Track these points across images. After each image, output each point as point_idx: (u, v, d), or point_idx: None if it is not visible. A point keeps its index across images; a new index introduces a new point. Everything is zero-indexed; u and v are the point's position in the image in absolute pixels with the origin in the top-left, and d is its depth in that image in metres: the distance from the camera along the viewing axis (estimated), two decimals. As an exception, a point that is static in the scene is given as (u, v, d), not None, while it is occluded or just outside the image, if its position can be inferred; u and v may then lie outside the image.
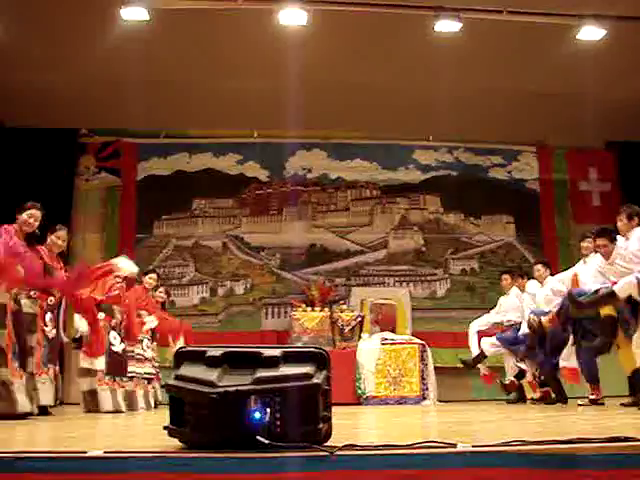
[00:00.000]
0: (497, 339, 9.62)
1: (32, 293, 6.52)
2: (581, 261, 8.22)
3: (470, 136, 12.25)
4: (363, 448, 2.46)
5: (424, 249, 12.11)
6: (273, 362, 2.60)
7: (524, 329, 8.74)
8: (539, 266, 9.24)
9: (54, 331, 6.83)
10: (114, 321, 7.77)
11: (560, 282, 8.28)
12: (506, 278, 10.13)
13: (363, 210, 12.18)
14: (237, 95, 10.75)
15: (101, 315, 7.59)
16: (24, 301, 6.36)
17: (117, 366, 7.74)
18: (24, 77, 10.30)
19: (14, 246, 5.97)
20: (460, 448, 2.37)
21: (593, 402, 7.40)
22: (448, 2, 9.30)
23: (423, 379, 10.18)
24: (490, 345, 9.67)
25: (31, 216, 6.15)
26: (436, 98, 10.75)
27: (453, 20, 9.40)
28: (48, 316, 6.73)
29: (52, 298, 6.79)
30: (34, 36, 9.64)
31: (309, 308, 10.90)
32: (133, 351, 8.30)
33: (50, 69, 10.19)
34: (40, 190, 10.80)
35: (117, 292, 7.76)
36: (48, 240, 7.01)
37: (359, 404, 9.78)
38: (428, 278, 11.97)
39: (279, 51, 9.78)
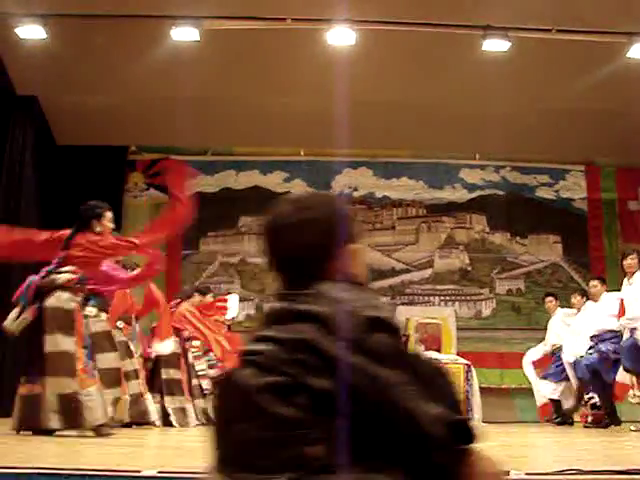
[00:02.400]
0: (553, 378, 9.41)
1: (118, 324, 7.05)
2: (625, 281, 8.05)
3: (517, 155, 12.17)
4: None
5: (470, 268, 12.02)
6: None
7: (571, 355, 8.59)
8: (595, 282, 9.03)
9: None
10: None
11: (614, 305, 8.09)
12: (550, 300, 10.01)
13: (409, 229, 12.14)
14: (284, 113, 10.82)
15: (177, 339, 8.26)
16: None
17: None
18: (76, 97, 10.50)
19: None
20: (513, 476, 2.35)
21: None
22: (496, 21, 9.28)
23: (468, 399, 10.07)
24: (552, 391, 9.53)
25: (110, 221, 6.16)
26: (483, 117, 10.71)
27: (501, 39, 9.37)
28: None
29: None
30: (85, 57, 9.82)
31: (354, 327, 10.86)
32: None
33: (101, 88, 10.38)
34: (90, 206, 11.00)
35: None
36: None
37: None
38: (474, 298, 11.87)
39: (327, 70, 9.81)
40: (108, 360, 6.39)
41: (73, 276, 5.38)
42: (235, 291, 11.81)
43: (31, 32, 9.10)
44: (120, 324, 7.22)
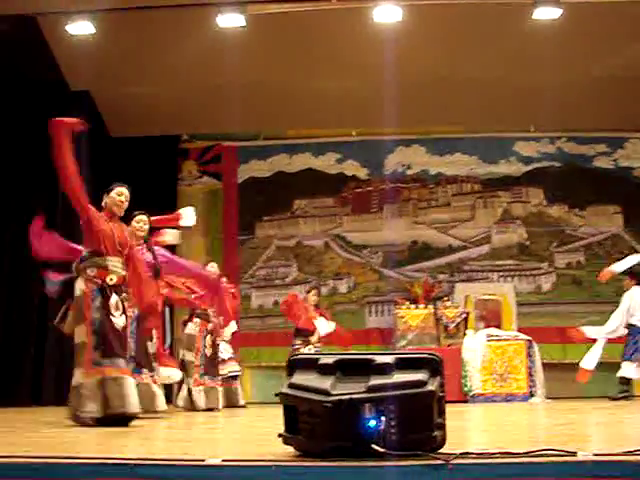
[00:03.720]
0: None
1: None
2: None
3: (573, 125, 11.90)
4: (479, 456, 2.43)
5: (528, 243, 11.84)
6: (386, 369, 2.59)
7: None
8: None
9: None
10: (210, 325, 8.42)
11: None
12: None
13: (464, 205, 12.00)
14: (334, 94, 10.77)
15: (196, 321, 8.33)
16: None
17: (210, 367, 8.29)
18: (127, 88, 10.62)
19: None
20: (580, 457, 2.31)
21: None
22: (547, -11, 9.07)
23: (530, 376, 10.01)
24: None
25: (121, 194, 5.51)
26: (536, 87, 10.53)
27: (553, 6, 9.15)
28: None
29: None
30: (134, 49, 9.90)
31: (413, 305, 10.85)
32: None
33: (151, 79, 10.47)
34: (144, 196, 11.04)
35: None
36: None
37: (465, 402, 9.68)
38: (533, 272, 11.69)
39: (375, 48, 9.75)
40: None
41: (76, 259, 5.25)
42: (292, 274, 11.86)
43: (80, 28, 9.23)
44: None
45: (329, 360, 2.70)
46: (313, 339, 9.64)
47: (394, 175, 12.07)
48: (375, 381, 2.54)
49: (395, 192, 12.02)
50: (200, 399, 8.04)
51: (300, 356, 2.86)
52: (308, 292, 10.19)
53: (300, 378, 2.71)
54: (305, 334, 9.66)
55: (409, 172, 12.10)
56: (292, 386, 2.71)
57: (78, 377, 4.97)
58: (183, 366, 8.11)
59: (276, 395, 2.77)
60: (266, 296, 11.82)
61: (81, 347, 5.01)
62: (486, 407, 8.36)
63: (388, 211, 11.99)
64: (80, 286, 5.14)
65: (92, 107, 10.93)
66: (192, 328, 8.33)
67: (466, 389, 9.87)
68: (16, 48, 9.11)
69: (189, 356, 8.21)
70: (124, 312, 5.23)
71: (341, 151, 12.11)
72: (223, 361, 8.95)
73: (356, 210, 12.04)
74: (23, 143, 10.00)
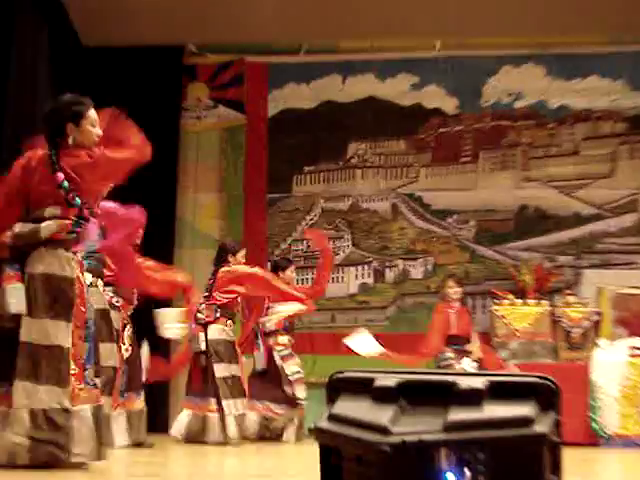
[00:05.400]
0: None
1: (115, 301, 7.10)
2: None
3: None
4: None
5: (693, 213, 11.70)
6: (474, 397, 2.54)
7: None
8: None
9: (130, 350, 7.57)
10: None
11: None
12: None
13: (601, 154, 11.82)
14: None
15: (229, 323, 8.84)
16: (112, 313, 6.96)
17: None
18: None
19: None
20: None
21: None
22: None
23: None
24: None
25: (95, 124, 5.26)
26: None
27: None
28: (127, 331, 7.53)
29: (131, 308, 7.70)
30: None
31: (519, 300, 10.79)
32: None
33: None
34: (134, 133, 11.17)
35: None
36: None
37: (595, 445, 9.62)
38: (701, 257, 11.57)
39: None
40: (105, 353, 6.41)
41: (66, 221, 4.94)
42: (344, 250, 11.85)
43: None
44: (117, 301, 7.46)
45: (389, 382, 2.66)
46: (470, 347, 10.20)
47: (496, 108, 11.99)
48: (456, 415, 2.50)
49: (497, 134, 11.94)
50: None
51: (346, 374, 2.81)
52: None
53: (345, 407, 2.69)
54: (460, 342, 10.14)
55: (518, 104, 12.02)
56: (333, 418, 2.67)
57: (58, 399, 4.71)
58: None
59: (310, 431, 2.73)
60: (306, 280, 11.79)
61: (60, 353, 4.78)
62: (627, 456, 8.29)
63: (486, 161, 11.91)
64: (65, 259, 4.96)
65: (58, 4, 10.95)
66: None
67: (596, 427, 9.80)
68: None
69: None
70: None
71: (418, 72, 12.05)
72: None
73: (438, 159, 12.01)
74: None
